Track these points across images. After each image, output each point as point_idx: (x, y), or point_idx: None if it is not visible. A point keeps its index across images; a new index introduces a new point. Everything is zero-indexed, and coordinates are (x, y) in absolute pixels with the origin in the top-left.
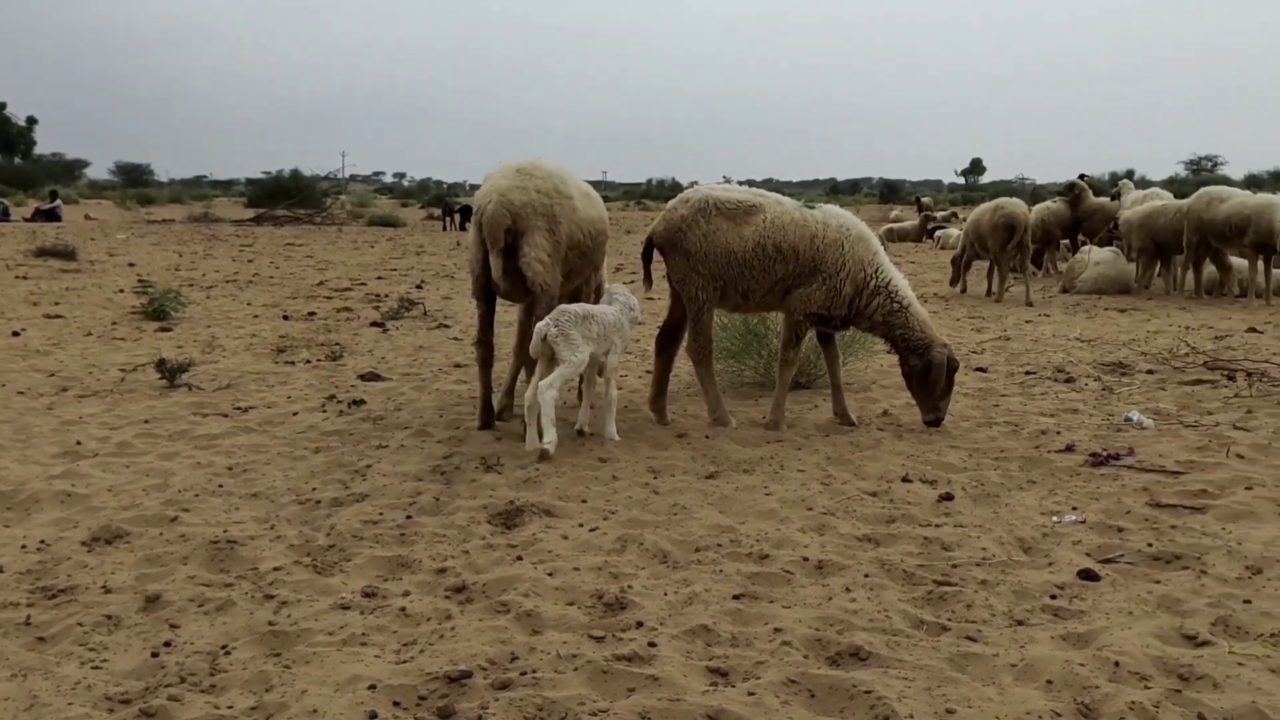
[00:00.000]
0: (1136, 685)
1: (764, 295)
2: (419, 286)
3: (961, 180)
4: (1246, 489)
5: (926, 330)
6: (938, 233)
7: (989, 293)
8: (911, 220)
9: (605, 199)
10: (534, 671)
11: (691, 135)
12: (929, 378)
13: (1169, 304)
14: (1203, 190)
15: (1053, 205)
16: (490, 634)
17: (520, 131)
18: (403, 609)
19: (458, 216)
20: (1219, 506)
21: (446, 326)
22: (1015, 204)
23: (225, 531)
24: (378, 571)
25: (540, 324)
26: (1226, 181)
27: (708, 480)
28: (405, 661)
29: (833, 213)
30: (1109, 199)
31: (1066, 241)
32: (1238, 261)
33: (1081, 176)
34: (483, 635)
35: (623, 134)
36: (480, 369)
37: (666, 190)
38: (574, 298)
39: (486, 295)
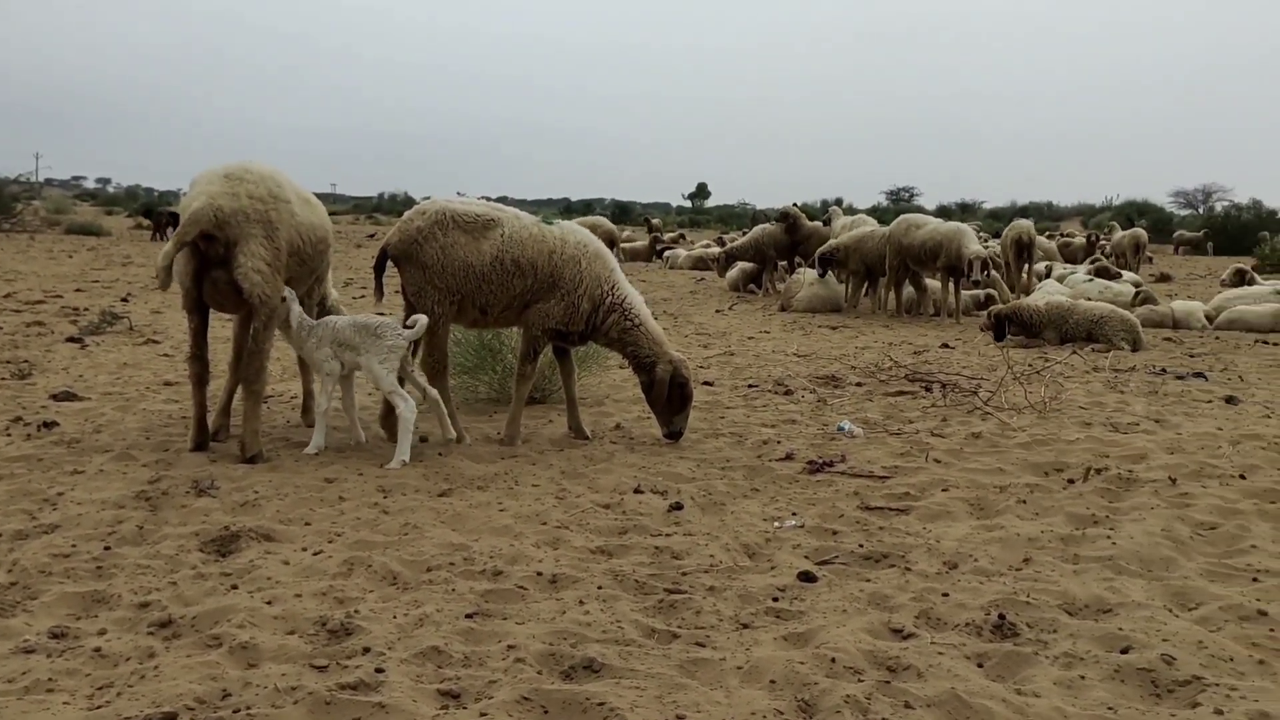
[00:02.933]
0: (851, 679)
1: (502, 311)
2: (125, 299)
3: (688, 204)
4: (943, 490)
5: (655, 347)
6: (666, 253)
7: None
8: (642, 240)
9: (334, 213)
10: (248, 708)
11: (425, 150)
12: (652, 392)
13: (874, 322)
14: (901, 217)
15: (770, 229)
16: (200, 670)
17: (241, 140)
18: (97, 649)
19: (170, 227)
20: (920, 507)
21: (156, 342)
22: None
23: None
24: (69, 609)
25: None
26: (921, 210)
27: (440, 498)
28: (100, 707)
29: (570, 229)
30: (821, 224)
31: (784, 264)
32: (932, 284)
33: (795, 204)
34: (191, 673)
35: (353, 146)
36: (194, 386)
37: (399, 204)
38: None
39: (198, 308)
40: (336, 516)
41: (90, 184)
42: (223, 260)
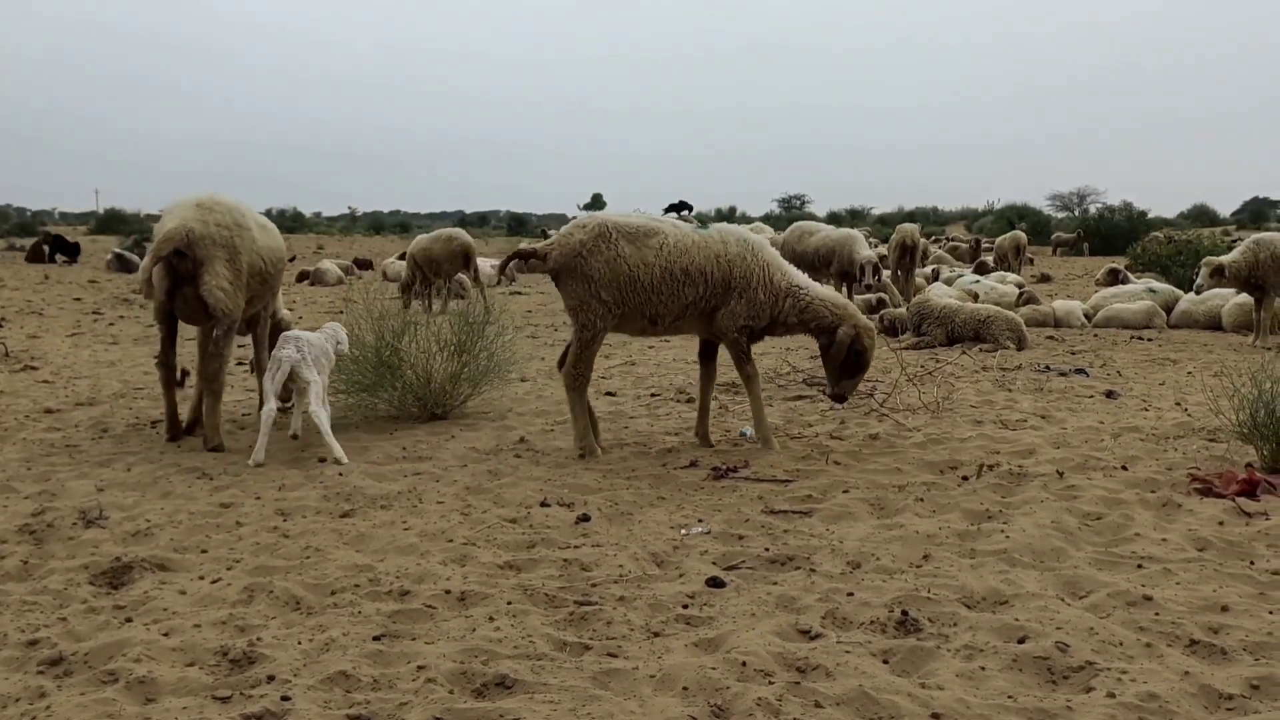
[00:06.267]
0: (762, 682)
1: (674, 320)
2: None
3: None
4: (844, 492)
5: (837, 311)
6: None
7: None
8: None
9: None
10: None
11: (314, 164)
12: (830, 353)
13: None
14: (794, 225)
15: None
16: (94, 709)
17: (123, 155)
18: None
19: (46, 249)
20: (822, 509)
21: (34, 368)
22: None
23: None
24: None
25: (284, 353)
26: (813, 218)
27: (343, 519)
28: None
29: (725, 229)
30: None
31: None
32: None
33: (682, 208)
34: (85, 711)
35: (238, 159)
36: (164, 388)
37: (286, 220)
38: (251, 323)
39: (168, 319)
40: (234, 542)
41: None
42: (191, 277)
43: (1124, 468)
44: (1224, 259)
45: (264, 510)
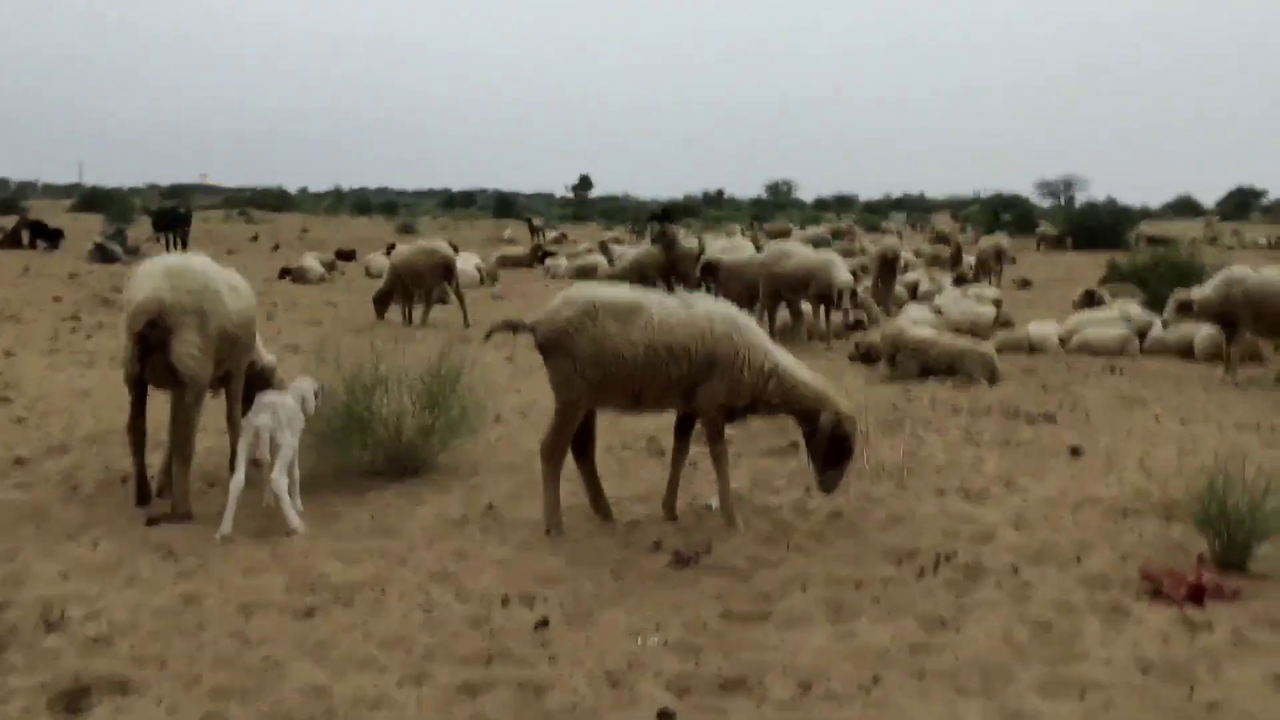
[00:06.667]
0: None
1: (658, 397)
2: None
3: (571, 195)
4: (802, 590)
5: (819, 397)
6: (548, 261)
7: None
8: (523, 245)
9: (205, 207)
10: None
11: (300, 139)
12: (811, 441)
13: None
14: (773, 246)
15: (649, 250)
16: None
17: (105, 131)
18: None
19: (26, 233)
20: (779, 612)
21: (8, 400)
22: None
23: None
24: None
25: (260, 421)
26: (800, 204)
27: (305, 619)
28: None
29: (710, 304)
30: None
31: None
32: (807, 309)
33: (665, 218)
34: None
35: (223, 134)
36: (133, 452)
37: (272, 198)
38: (224, 379)
39: (138, 385)
40: (195, 651)
41: None
42: (162, 345)
43: (1079, 559)
44: (1193, 293)
45: (226, 607)
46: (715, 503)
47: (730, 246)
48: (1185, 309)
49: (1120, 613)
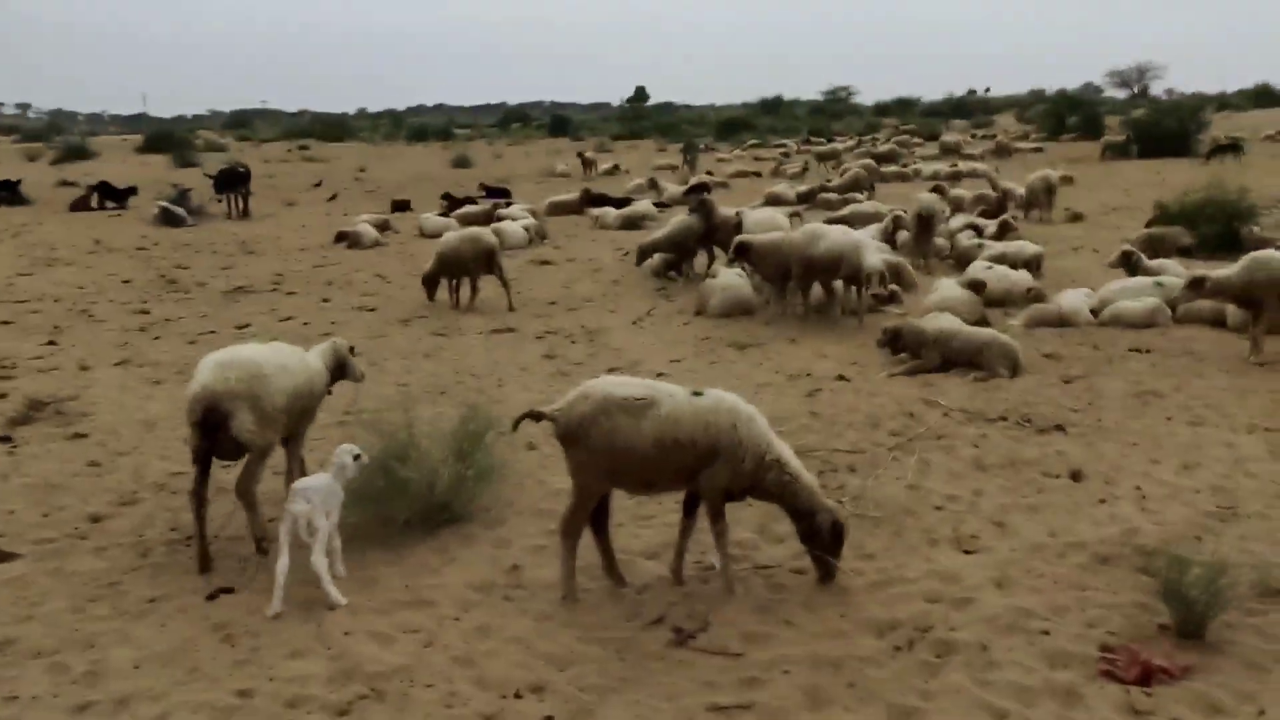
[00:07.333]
0: None
1: (669, 482)
2: (51, 341)
3: (628, 107)
4: (784, 672)
5: (813, 497)
6: (596, 212)
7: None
8: (573, 190)
9: (266, 140)
10: None
11: (358, 58)
12: (813, 541)
13: (781, 334)
14: (805, 228)
15: (687, 220)
16: None
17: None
18: None
19: (96, 195)
20: (760, 704)
21: (83, 436)
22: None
23: None
24: None
25: (296, 508)
26: (856, 109)
27: (342, 718)
28: None
29: (718, 397)
30: (734, 214)
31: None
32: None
33: (705, 189)
34: None
35: (287, 54)
36: (195, 519)
37: (332, 127)
38: (286, 440)
39: (203, 460)
40: None
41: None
42: (223, 426)
43: (1045, 633)
44: (1213, 273)
45: (274, 705)
46: (718, 563)
47: (764, 219)
48: (1197, 286)
49: (1073, 698)
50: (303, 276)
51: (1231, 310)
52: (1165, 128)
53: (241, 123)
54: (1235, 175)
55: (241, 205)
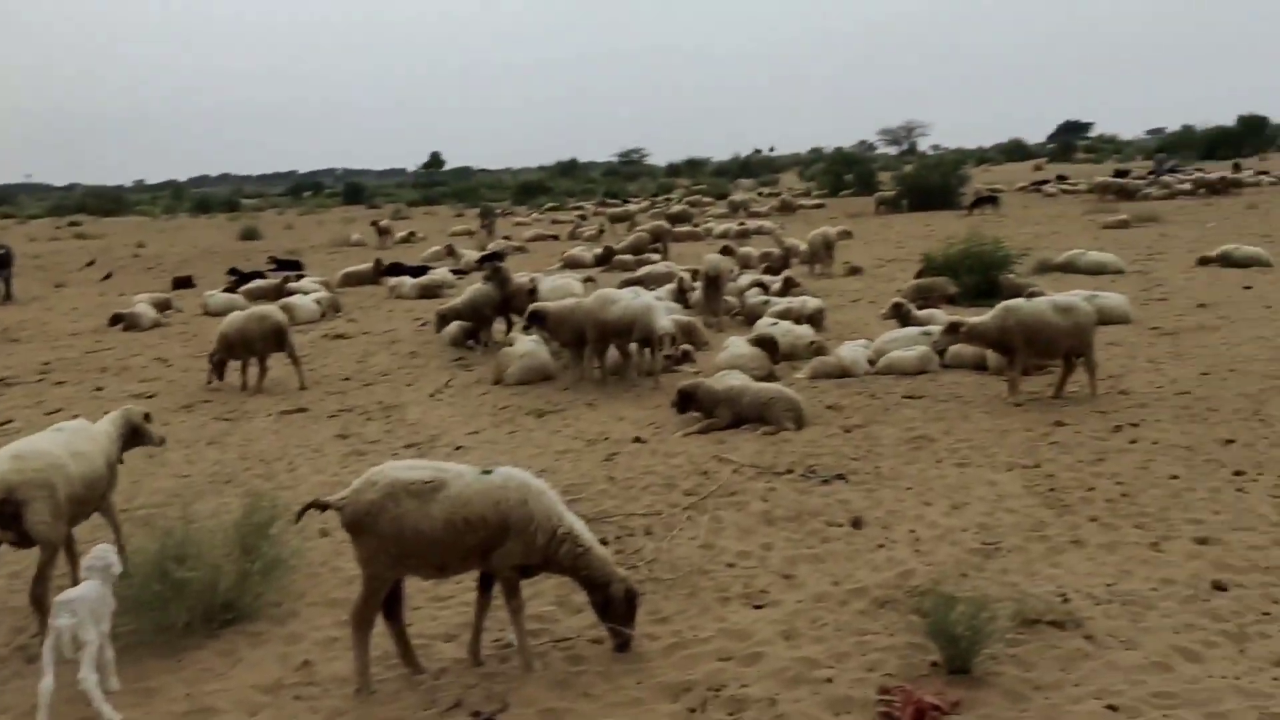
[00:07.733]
0: None
1: (461, 562)
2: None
3: (423, 171)
4: None
5: (606, 567)
6: (392, 281)
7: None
8: (366, 260)
9: (32, 218)
10: None
11: (131, 132)
12: (608, 611)
13: (579, 399)
14: (598, 294)
15: (483, 288)
16: None
17: None
18: None
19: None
20: None
21: None
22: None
23: None
24: None
25: (60, 623)
26: (649, 170)
27: None
28: None
29: (507, 474)
30: (528, 282)
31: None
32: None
33: (499, 256)
34: None
35: (49, 129)
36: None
37: (106, 200)
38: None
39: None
40: None
41: None
42: (16, 518)
43: (830, 680)
44: (969, 320)
45: None
46: (515, 640)
47: (559, 286)
48: (953, 331)
49: None
50: (73, 364)
51: (990, 355)
52: (931, 182)
53: (3, 199)
54: (993, 226)
55: (3, 289)
